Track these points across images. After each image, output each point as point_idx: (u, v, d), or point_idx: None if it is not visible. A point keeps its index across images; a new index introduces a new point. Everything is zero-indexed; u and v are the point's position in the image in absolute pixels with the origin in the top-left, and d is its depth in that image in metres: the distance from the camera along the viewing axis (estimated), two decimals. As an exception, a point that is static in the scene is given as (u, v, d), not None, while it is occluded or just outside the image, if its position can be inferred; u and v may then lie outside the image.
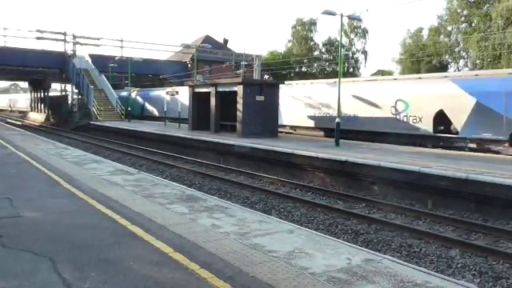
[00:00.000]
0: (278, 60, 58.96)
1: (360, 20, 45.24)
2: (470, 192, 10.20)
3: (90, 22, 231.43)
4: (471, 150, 17.15)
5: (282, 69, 56.57)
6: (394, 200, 11.53)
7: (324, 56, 66.49)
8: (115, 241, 5.48)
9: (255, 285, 4.20)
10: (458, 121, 17.95)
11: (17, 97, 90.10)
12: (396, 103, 20.43)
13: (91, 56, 43.90)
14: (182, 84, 37.62)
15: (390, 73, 56.31)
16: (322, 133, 24.51)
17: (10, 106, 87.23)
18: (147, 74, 51.01)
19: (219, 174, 15.67)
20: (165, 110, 33.11)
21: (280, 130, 24.07)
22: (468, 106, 17.38)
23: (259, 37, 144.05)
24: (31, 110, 61.14)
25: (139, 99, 44.33)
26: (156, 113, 40.75)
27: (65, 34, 42.16)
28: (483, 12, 44.07)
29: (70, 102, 48.13)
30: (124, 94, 42.02)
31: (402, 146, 17.82)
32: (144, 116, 41.53)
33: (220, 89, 22.87)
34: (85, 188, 8.68)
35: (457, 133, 18.23)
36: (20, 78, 66.05)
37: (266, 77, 37.99)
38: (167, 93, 33.98)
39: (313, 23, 65.10)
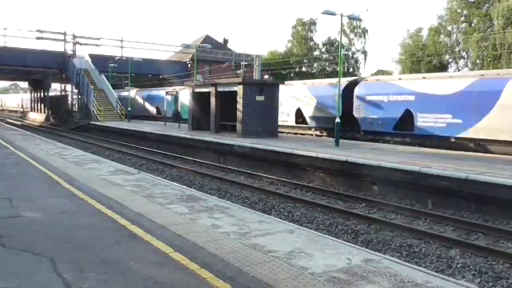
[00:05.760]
0: (278, 60, 58.92)
1: (360, 20, 45.28)
2: (470, 192, 10.20)
3: (90, 21, 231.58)
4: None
5: (282, 69, 56.54)
6: (394, 200, 11.52)
7: (324, 56, 66.45)
8: (115, 241, 5.48)
9: (255, 285, 4.20)
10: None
11: None
12: None
13: (91, 56, 43.86)
14: (182, 84, 37.59)
15: (389, 73, 56.25)
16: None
17: None
18: (147, 73, 50.98)
19: (219, 173, 15.67)
20: (165, 109, 33.09)
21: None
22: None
23: (259, 37, 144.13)
24: (31, 110, 61.27)
25: (139, 99, 44.32)
26: (156, 113, 40.74)
27: (65, 34, 42.14)
28: (483, 12, 44.03)
29: (69, 102, 48.12)
30: (124, 94, 42.02)
31: (401, 146, 17.82)
32: (144, 116, 41.51)
33: (220, 89, 22.87)
34: (85, 188, 8.68)
35: None
36: (20, 78, 66.08)
37: (266, 77, 37.85)
38: (167, 93, 33.97)
39: (313, 23, 65.05)
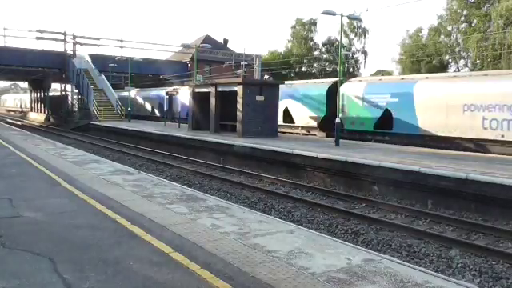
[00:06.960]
0: (278, 60, 58.90)
1: (360, 20, 45.35)
2: (469, 192, 10.20)
3: (90, 21, 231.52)
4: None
5: (282, 69, 56.52)
6: (394, 200, 11.52)
7: (324, 56, 66.43)
8: (115, 241, 5.48)
9: (255, 285, 4.20)
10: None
11: None
12: None
13: (91, 56, 43.86)
14: (182, 84, 37.57)
15: (389, 73, 56.24)
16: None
17: None
18: (147, 73, 51.00)
19: (219, 173, 15.66)
20: (165, 109, 33.10)
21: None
22: None
23: (259, 37, 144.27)
24: (31, 110, 61.22)
25: (139, 99, 44.32)
26: (156, 113, 40.73)
27: (65, 34, 42.19)
28: (483, 12, 44.03)
29: (70, 102, 48.11)
30: (124, 94, 42.03)
31: (401, 146, 17.80)
32: (144, 116, 41.49)
33: (220, 89, 22.87)
34: (85, 188, 8.68)
35: None
36: (20, 78, 66.12)
37: (266, 77, 37.89)
38: (167, 93, 33.98)
39: (313, 23, 65.06)
